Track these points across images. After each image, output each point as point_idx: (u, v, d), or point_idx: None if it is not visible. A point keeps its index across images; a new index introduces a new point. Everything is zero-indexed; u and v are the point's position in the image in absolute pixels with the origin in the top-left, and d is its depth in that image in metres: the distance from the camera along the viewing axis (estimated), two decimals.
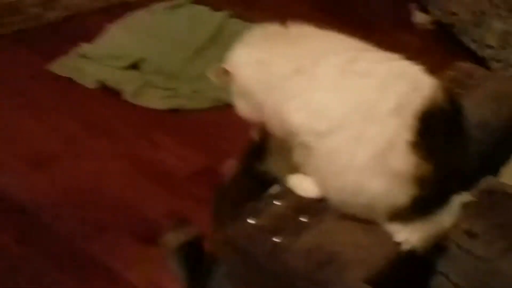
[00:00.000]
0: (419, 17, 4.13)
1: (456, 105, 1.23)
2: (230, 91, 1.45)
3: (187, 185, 2.50)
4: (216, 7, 3.59)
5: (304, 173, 1.32)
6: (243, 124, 2.77)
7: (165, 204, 2.39)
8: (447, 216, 1.20)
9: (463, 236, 1.15)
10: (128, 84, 2.87)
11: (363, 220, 1.24)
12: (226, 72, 1.40)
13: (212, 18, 3.51)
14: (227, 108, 2.88)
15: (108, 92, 2.85)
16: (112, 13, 3.30)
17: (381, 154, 1.15)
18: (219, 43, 3.36)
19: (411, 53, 3.88)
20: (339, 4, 4.17)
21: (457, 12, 3.85)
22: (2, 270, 2.04)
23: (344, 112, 1.19)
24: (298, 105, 1.25)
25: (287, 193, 1.30)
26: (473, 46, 3.73)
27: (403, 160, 1.14)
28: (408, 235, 1.21)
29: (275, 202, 1.26)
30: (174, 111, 2.85)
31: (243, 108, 1.43)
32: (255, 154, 1.61)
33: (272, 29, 1.45)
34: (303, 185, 1.30)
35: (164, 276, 2.08)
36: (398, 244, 1.22)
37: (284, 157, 1.45)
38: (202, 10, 3.57)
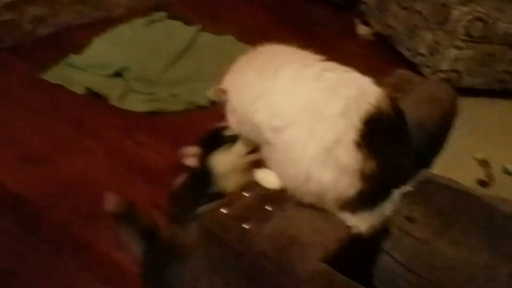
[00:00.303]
0: (362, 30, 4.19)
1: (398, 111, 1.25)
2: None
3: (166, 177, 2.47)
4: (188, 22, 3.58)
5: (268, 168, 1.33)
6: (210, 126, 2.79)
7: (148, 194, 2.38)
8: (390, 205, 1.23)
9: (403, 221, 1.17)
10: (113, 90, 2.85)
11: (319, 209, 1.26)
12: (223, 91, 1.40)
13: (185, 31, 3.51)
14: (198, 110, 2.92)
15: (95, 98, 2.82)
16: (97, 27, 3.28)
17: (329, 148, 1.17)
18: (192, 53, 3.37)
19: (356, 60, 3.96)
20: (295, 18, 4.20)
21: (393, 25, 3.91)
22: (6, 250, 2.03)
23: (296, 111, 1.21)
24: (260, 106, 1.26)
25: (255, 185, 1.31)
26: (407, 54, 3.80)
27: (349, 156, 1.16)
28: (357, 222, 1.23)
29: (244, 194, 1.27)
30: (153, 113, 2.84)
31: (232, 121, 1.42)
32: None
33: (253, 52, 1.41)
34: (267, 178, 1.31)
35: None
36: (349, 228, 1.24)
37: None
38: (176, 24, 3.57)
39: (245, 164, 1.46)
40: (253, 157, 1.43)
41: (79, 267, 2.03)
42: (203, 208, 1.42)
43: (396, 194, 1.22)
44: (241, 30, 3.73)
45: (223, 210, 1.21)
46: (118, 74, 2.99)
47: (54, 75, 2.84)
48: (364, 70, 3.72)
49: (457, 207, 1.09)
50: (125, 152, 2.58)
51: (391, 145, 1.22)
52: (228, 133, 1.49)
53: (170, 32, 3.46)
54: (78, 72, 2.91)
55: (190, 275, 1.24)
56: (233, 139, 1.48)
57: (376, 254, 1.29)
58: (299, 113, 1.20)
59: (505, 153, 3.27)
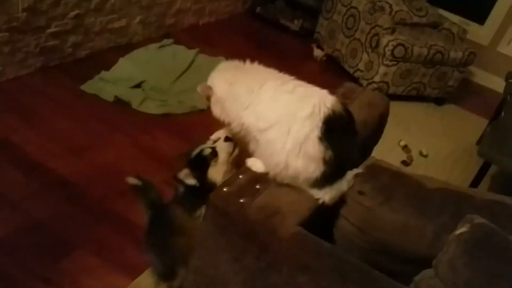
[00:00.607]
0: (317, 52, 4.17)
1: (348, 113, 1.25)
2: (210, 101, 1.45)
3: (175, 163, 2.46)
4: (190, 46, 3.53)
5: (256, 157, 1.33)
6: (210, 123, 2.76)
7: (163, 175, 2.32)
8: (345, 183, 1.23)
9: (355, 194, 1.17)
10: (135, 98, 2.79)
11: (294, 187, 1.26)
12: (209, 87, 1.40)
13: (187, 53, 3.45)
14: (200, 112, 2.88)
15: (121, 104, 2.76)
16: (121, 50, 3.20)
17: (301, 143, 1.17)
18: (192, 70, 3.32)
19: (314, 75, 3.94)
20: (267, 43, 4.16)
21: (340, 49, 3.91)
22: (55, 222, 1.96)
23: (276, 116, 1.21)
24: (249, 112, 1.26)
25: (247, 170, 1.30)
26: (350, 70, 3.81)
27: (314, 148, 1.17)
28: (322, 195, 1.23)
29: (240, 176, 1.26)
30: (166, 115, 2.79)
31: (216, 112, 1.42)
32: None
33: (234, 63, 1.45)
34: (256, 165, 1.31)
35: None
36: (317, 200, 1.24)
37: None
38: (181, 48, 3.50)
39: (231, 163, 1.48)
40: (234, 153, 1.48)
41: (115, 232, 2.00)
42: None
43: (349, 174, 1.23)
44: (228, 53, 3.68)
45: (225, 189, 1.20)
46: (138, 86, 2.92)
47: (90, 87, 2.77)
48: (320, 82, 3.71)
49: (395, 184, 1.09)
50: (144, 144, 2.53)
51: (344, 138, 1.23)
52: (207, 152, 1.51)
53: (176, 54, 3.40)
54: (108, 84, 2.83)
55: (201, 237, 1.21)
56: (214, 154, 1.49)
57: (336, 219, 1.29)
58: (278, 118, 1.21)
59: (420, 141, 3.31)
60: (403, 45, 3.39)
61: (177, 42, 3.54)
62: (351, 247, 1.28)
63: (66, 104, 2.62)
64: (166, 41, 3.49)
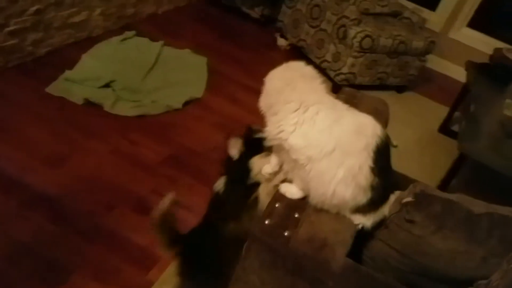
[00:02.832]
0: (281, 42, 4.13)
1: (388, 139, 1.24)
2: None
3: (160, 169, 2.35)
4: (152, 37, 3.36)
5: (290, 180, 1.28)
6: (187, 123, 2.66)
7: (148, 183, 2.24)
8: (387, 208, 1.22)
9: (403, 221, 1.16)
10: (106, 99, 2.61)
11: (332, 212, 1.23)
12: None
13: (152, 46, 3.28)
14: (174, 112, 2.76)
15: (92, 106, 2.57)
16: (82, 46, 2.98)
17: (355, 175, 1.14)
18: (160, 65, 3.18)
19: (275, 64, 3.87)
20: (230, 32, 4.06)
21: (305, 39, 3.88)
22: (44, 246, 1.81)
23: (331, 147, 1.16)
24: (296, 133, 1.18)
25: (281, 196, 1.25)
26: (316, 61, 3.80)
27: (366, 178, 1.14)
28: (365, 221, 1.22)
29: (276, 205, 1.21)
30: (140, 117, 2.64)
31: (262, 107, 1.30)
32: (238, 167, 1.46)
33: (293, 66, 1.31)
34: (291, 191, 1.26)
35: None
36: (356, 225, 1.22)
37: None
38: (144, 41, 3.32)
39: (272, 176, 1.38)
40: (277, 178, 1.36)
41: (109, 251, 1.87)
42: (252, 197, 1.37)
43: (392, 198, 1.22)
44: (194, 44, 3.57)
45: (266, 222, 1.15)
46: (107, 85, 2.73)
47: (56, 89, 2.55)
48: None
49: (446, 212, 1.09)
50: (124, 150, 2.39)
51: (386, 163, 1.21)
52: (267, 143, 1.36)
53: (140, 48, 3.22)
54: (75, 85, 2.63)
55: (241, 271, 1.16)
56: (270, 148, 1.38)
57: (369, 240, 1.28)
58: (333, 149, 1.15)
59: (387, 130, 3.38)
60: (370, 36, 3.42)
61: (138, 33, 3.35)
62: (385, 267, 1.28)
63: (32, 109, 2.40)
64: (128, 34, 3.30)
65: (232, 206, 1.44)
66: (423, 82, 4.28)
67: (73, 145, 2.30)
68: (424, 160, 3.25)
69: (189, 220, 2.01)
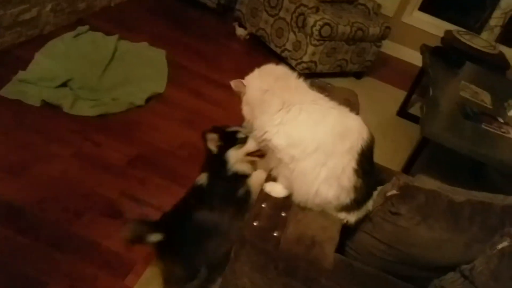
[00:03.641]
0: (240, 31, 4.09)
1: (373, 141, 1.25)
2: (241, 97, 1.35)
3: (127, 170, 2.28)
4: (107, 32, 3.23)
5: (275, 179, 1.27)
6: (151, 121, 2.59)
7: (116, 186, 2.17)
8: (371, 202, 1.24)
9: (387, 214, 1.18)
10: (64, 100, 2.49)
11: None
12: (242, 85, 1.30)
13: (107, 41, 3.16)
14: (137, 109, 2.68)
15: (50, 108, 2.45)
16: (34, 44, 2.83)
17: (337, 175, 1.15)
18: (117, 60, 3.07)
19: (239, 55, 3.84)
20: (186, 23, 3.98)
21: (264, 28, 3.86)
22: (13, 259, 1.72)
23: (314, 147, 1.16)
24: (280, 133, 1.18)
25: (267, 196, 1.24)
26: (277, 50, 3.79)
27: (349, 179, 1.15)
28: (350, 218, 1.23)
29: (263, 205, 1.20)
30: (102, 116, 2.55)
31: (245, 113, 1.33)
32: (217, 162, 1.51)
33: (279, 68, 1.33)
34: (276, 190, 1.25)
35: None
36: (342, 221, 1.24)
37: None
38: (99, 35, 3.19)
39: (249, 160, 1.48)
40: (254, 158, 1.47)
41: (82, 259, 1.80)
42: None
43: (375, 194, 1.23)
44: (150, 36, 3.47)
45: (255, 223, 1.14)
46: (64, 85, 2.61)
47: (11, 91, 2.41)
48: (246, 63, 3.69)
49: (430, 203, 1.12)
50: (88, 153, 2.29)
51: (369, 163, 1.23)
52: (241, 135, 1.48)
53: (95, 43, 3.09)
54: (31, 86, 2.49)
55: (231, 275, 1.14)
56: (244, 140, 1.47)
57: (353, 233, 1.30)
58: (316, 149, 1.15)
59: None
60: (329, 24, 3.45)
61: (92, 28, 3.22)
62: (370, 258, 1.31)
63: None
64: (81, 29, 3.15)
65: (218, 199, 1.49)
66: (380, 67, 4.38)
67: (34, 151, 2.18)
68: (385, 145, 3.33)
69: None
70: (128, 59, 3.10)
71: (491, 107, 2.95)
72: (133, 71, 2.99)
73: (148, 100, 2.81)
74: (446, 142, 2.48)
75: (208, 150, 1.51)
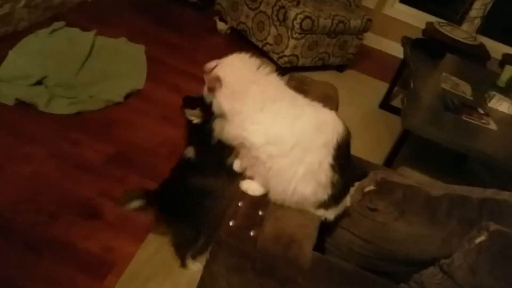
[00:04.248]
0: (220, 26, 4.04)
1: (348, 132, 1.23)
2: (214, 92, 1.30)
3: (105, 169, 2.24)
4: (84, 27, 3.16)
5: (250, 177, 1.24)
6: (130, 118, 2.54)
7: (94, 186, 2.12)
8: (348, 198, 1.22)
9: (365, 210, 1.17)
10: (39, 98, 2.43)
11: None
12: (217, 78, 1.25)
13: (84, 37, 3.09)
14: (115, 106, 2.63)
15: (25, 107, 2.39)
16: (8, 41, 2.75)
17: (314, 171, 1.13)
18: (94, 56, 3.00)
19: (220, 50, 3.82)
20: (166, 17, 3.92)
21: (245, 22, 3.82)
22: None
23: (291, 144, 1.13)
24: (256, 131, 1.15)
25: (243, 194, 1.21)
26: (258, 44, 3.76)
27: (326, 175, 1.13)
28: (328, 215, 1.21)
29: (239, 204, 1.18)
30: (79, 114, 2.49)
31: (226, 106, 1.26)
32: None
33: (248, 59, 1.30)
34: (252, 188, 1.23)
35: (112, 239, 1.89)
36: (320, 218, 1.22)
37: None
38: (76, 31, 3.12)
39: None
40: None
41: (59, 262, 1.76)
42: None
43: (352, 190, 1.22)
44: (128, 31, 3.40)
45: (231, 223, 1.11)
46: (39, 83, 2.54)
47: None
48: (225, 56, 3.57)
49: (407, 198, 1.11)
50: (65, 152, 2.24)
51: (346, 160, 1.21)
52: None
53: (72, 39, 3.02)
54: (4, 85, 2.42)
55: (208, 278, 1.12)
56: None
57: (332, 229, 1.29)
58: (293, 146, 1.13)
59: None
60: (310, 17, 3.42)
61: (68, 23, 3.14)
62: (349, 254, 1.29)
63: None
64: (56, 25, 3.08)
65: (209, 168, 1.53)
66: (362, 60, 4.37)
67: (7, 151, 2.12)
68: (367, 137, 3.33)
69: (139, 219, 1.95)
70: (106, 55, 3.04)
71: (471, 98, 2.97)
72: (111, 67, 2.93)
73: (127, 96, 2.75)
74: (427, 134, 2.49)
75: (189, 123, 1.47)
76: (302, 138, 1.14)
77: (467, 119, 2.65)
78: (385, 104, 3.76)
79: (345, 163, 1.18)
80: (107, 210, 2.03)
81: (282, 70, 3.62)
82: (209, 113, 1.40)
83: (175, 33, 3.73)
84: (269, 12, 3.58)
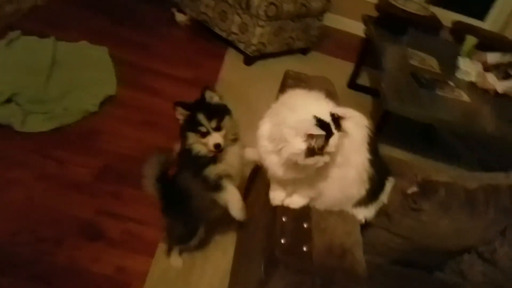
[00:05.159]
0: (180, 17, 3.93)
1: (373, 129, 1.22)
2: None
3: (97, 185, 2.14)
4: (41, 34, 2.96)
5: (293, 192, 1.22)
6: (110, 127, 2.44)
7: (90, 204, 2.03)
8: (385, 196, 1.24)
9: (407, 210, 1.19)
10: (14, 118, 2.27)
11: (335, 212, 1.22)
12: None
13: (44, 44, 2.90)
14: (92, 116, 2.51)
15: (1, 128, 2.22)
16: None
17: (361, 172, 1.13)
18: (58, 64, 2.82)
19: (183, 43, 3.71)
20: (122, 14, 3.75)
21: (206, 12, 3.73)
22: None
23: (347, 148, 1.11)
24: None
25: (284, 209, 1.20)
26: (223, 34, 3.69)
27: (367, 171, 1.14)
28: (366, 213, 1.23)
29: (283, 219, 1.16)
30: (57, 130, 2.35)
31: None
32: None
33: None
34: (295, 201, 1.21)
35: (122, 258, 1.83)
36: (361, 221, 1.23)
37: None
38: (33, 40, 2.92)
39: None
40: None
41: None
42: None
43: (388, 186, 1.24)
44: (88, 34, 3.23)
45: (282, 241, 1.10)
46: (8, 100, 2.37)
47: None
48: (192, 51, 3.55)
49: (449, 196, 1.14)
50: (51, 173, 2.11)
51: (377, 152, 1.21)
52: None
53: (32, 49, 2.82)
54: None
55: None
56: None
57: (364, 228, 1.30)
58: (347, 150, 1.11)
59: None
60: (273, 3, 3.39)
61: (24, 32, 2.93)
62: (385, 250, 1.33)
63: None
64: (12, 35, 2.86)
65: (186, 169, 1.60)
66: (324, 41, 4.40)
67: None
68: None
69: (144, 233, 1.90)
70: (70, 61, 2.87)
71: (440, 72, 3.08)
72: (78, 74, 2.77)
73: (102, 104, 2.63)
74: (408, 114, 2.56)
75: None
76: (350, 139, 1.12)
77: (441, 94, 2.75)
78: (353, 84, 3.83)
79: (377, 157, 1.18)
80: (109, 228, 1.95)
81: (250, 59, 3.60)
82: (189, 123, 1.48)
83: (134, 29, 3.57)
84: (230, 0, 3.50)
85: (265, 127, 1.11)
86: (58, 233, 1.86)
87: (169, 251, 1.88)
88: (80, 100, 2.58)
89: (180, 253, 1.89)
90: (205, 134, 1.48)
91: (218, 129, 1.48)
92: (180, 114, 1.51)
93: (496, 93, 2.98)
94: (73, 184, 2.09)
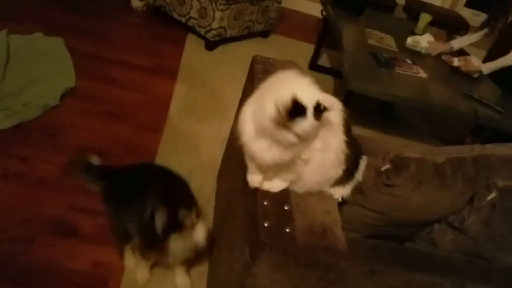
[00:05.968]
0: (135, 3, 3.83)
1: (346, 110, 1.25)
2: None
3: (64, 180, 2.09)
4: None
5: (274, 176, 1.23)
6: (73, 120, 2.37)
7: (59, 201, 1.98)
8: (360, 173, 1.28)
9: (381, 186, 1.24)
10: None
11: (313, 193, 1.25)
12: None
13: None
14: (53, 109, 2.43)
15: None
16: None
17: (338, 153, 1.16)
18: (13, 57, 2.70)
19: (138, 29, 3.65)
20: (79, 4, 3.62)
21: None
22: None
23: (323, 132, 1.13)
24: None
25: (265, 193, 1.22)
26: (181, 19, 3.64)
27: (344, 152, 1.17)
28: (343, 191, 1.27)
29: (265, 203, 1.18)
30: (18, 126, 2.26)
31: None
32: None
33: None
34: (274, 185, 1.23)
35: (97, 253, 1.80)
36: (338, 199, 1.27)
37: None
38: None
39: None
40: None
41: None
42: None
43: (362, 164, 1.28)
44: (41, 25, 3.10)
45: (266, 224, 1.12)
46: None
47: None
48: (149, 37, 3.52)
49: (419, 170, 1.19)
50: (16, 171, 2.04)
51: (350, 132, 1.24)
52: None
53: None
54: None
55: (251, 280, 1.13)
56: None
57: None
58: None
59: None
60: None
61: None
62: (361, 226, 1.38)
63: None
64: None
65: None
66: (283, 23, 4.41)
67: None
68: None
69: None
70: (26, 54, 2.76)
71: (397, 50, 3.17)
72: (35, 68, 2.67)
73: (62, 97, 2.55)
74: (370, 93, 2.63)
75: None
76: (329, 125, 1.15)
77: (400, 72, 2.84)
78: (314, 65, 3.87)
79: (351, 137, 1.21)
80: (82, 224, 1.92)
81: (211, 44, 3.57)
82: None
83: (88, 18, 3.46)
84: None
85: (248, 111, 1.11)
86: (30, 232, 1.81)
87: (121, 253, 1.81)
88: (39, 94, 2.49)
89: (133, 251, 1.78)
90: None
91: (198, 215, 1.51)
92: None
93: (452, 67, 3.12)
94: (40, 181, 2.03)
